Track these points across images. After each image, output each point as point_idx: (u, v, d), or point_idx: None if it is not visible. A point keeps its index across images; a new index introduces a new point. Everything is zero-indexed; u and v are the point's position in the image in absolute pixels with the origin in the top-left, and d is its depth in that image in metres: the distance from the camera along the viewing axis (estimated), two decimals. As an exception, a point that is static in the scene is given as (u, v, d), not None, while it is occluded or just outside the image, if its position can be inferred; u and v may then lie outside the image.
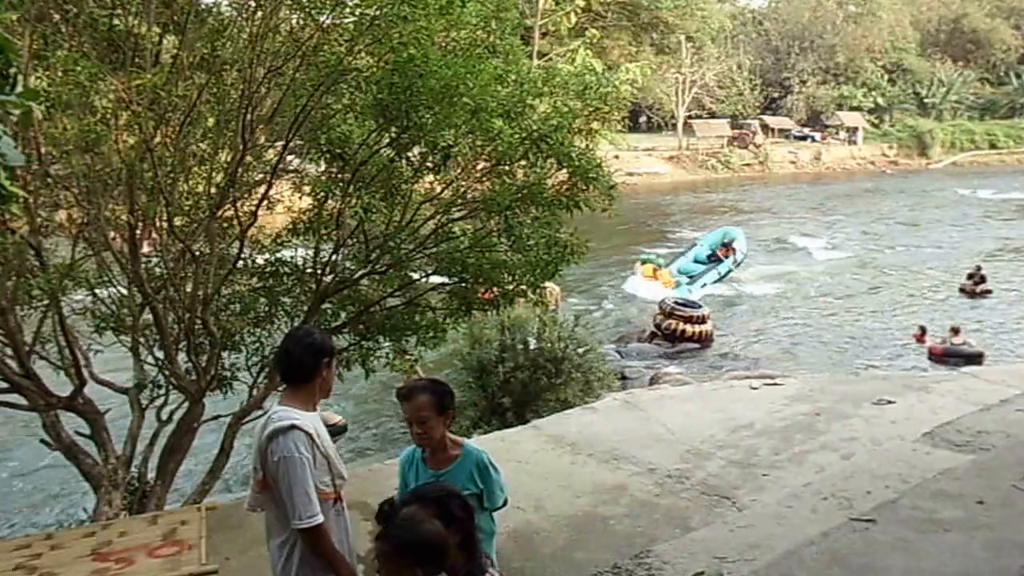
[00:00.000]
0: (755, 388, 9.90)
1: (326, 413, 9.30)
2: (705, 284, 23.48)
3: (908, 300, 22.18)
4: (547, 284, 7.45)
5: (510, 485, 4.11)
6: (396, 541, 2.64)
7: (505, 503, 3.92)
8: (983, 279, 22.24)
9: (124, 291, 6.67)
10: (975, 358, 15.88)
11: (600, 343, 15.25)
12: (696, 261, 25.02)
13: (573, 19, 36.28)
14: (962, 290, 22.22)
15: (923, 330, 17.91)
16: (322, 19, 5.82)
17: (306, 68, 5.88)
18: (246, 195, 6.54)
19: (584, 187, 6.47)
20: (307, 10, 5.80)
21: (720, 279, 24.14)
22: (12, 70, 2.52)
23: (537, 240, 6.64)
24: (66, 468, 7.84)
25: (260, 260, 7.01)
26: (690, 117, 56.07)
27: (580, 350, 11.40)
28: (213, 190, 6.25)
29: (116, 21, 6.04)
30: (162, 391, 6.94)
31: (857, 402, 8.92)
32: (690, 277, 23.65)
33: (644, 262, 24.05)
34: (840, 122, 59.97)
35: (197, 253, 6.31)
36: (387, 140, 6.31)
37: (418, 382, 3.87)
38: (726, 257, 24.81)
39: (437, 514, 2.74)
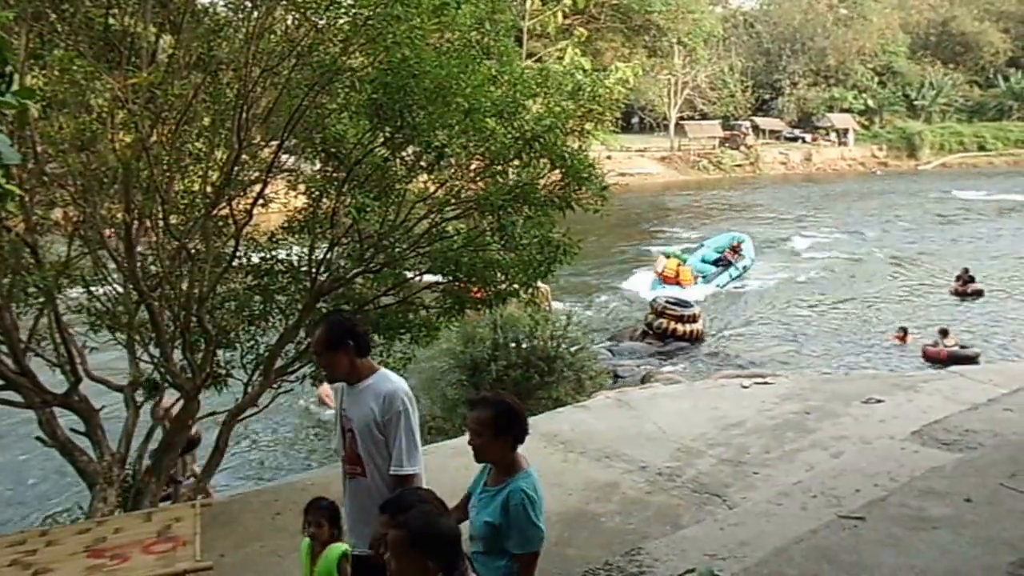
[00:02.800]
0: (746, 387, 9.95)
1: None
2: (720, 285, 23.64)
3: (898, 300, 22.29)
4: (538, 284, 7.49)
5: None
6: (412, 531, 2.60)
7: (530, 557, 3.44)
8: (971, 279, 22.38)
9: (120, 289, 6.69)
10: (974, 360, 15.90)
11: (592, 342, 15.31)
12: (703, 261, 25.10)
13: (560, 18, 36.25)
14: (954, 292, 22.34)
15: (904, 331, 17.92)
16: (317, 19, 5.85)
17: (301, 68, 5.91)
18: (241, 194, 6.56)
19: (577, 188, 6.51)
20: (302, 10, 5.83)
21: (731, 281, 24.28)
22: (8, 69, 2.55)
23: (530, 240, 6.68)
24: (61, 465, 7.85)
25: (255, 258, 7.03)
26: (682, 118, 56.30)
27: (572, 349, 11.45)
28: (209, 188, 6.27)
29: (112, 20, 6.05)
30: (157, 388, 6.96)
31: (847, 401, 8.98)
32: (703, 276, 23.78)
33: (668, 256, 24.06)
34: (830, 124, 60.24)
35: (193, 251, 6.33)
36: (381, 140, 6.33)
37: (487, 395, 3.71)
38: (735, 260, 24.94)
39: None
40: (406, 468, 3.88)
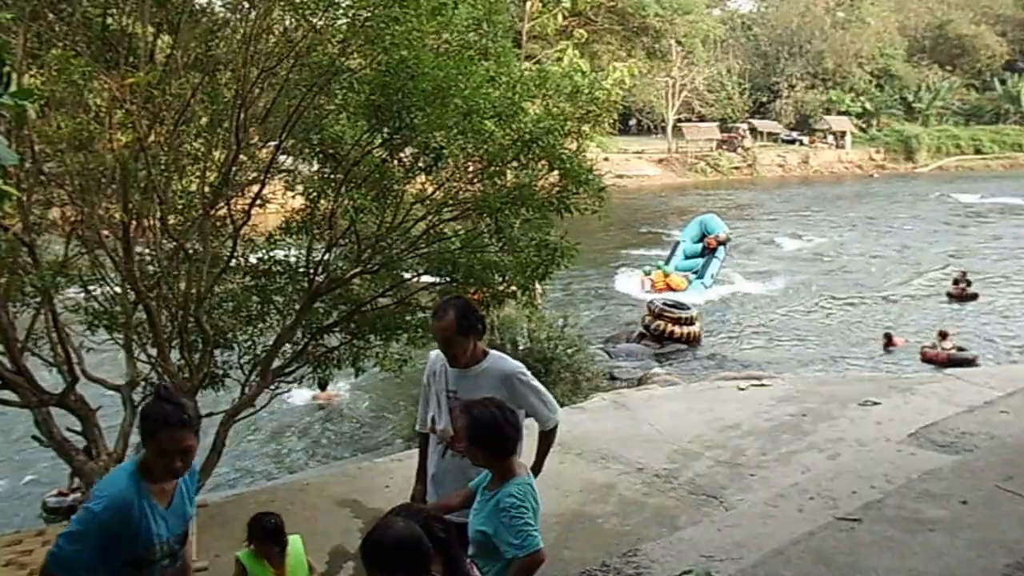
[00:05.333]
0: (742, 389, 9.96)
1: None
2: (713, 276, 23.48)
3: (895, 303, 22.31)
4: (536, 286, 7.50)
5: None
6: (364, 549, 2.66)
7: (526, 560, 3.36)
8: (968, 283, 22.42)
9: (117, 289, 6.68)
10: (972, 363, 15.83)
11: (589, 343, 15.31)
12: (688, 257, 24.98)
13: (560, 19, 36.28)
14: (949, 294, 22.38)
15: (889, 337, 17.88)
16: (315, 20, 5.86)
17: (299, 68, 5.92)
18: (239, 194, 6.56)
19: (575, 190, 6.51)
20: (300, 11, 5.83)
21: (722, 264, 24.21)
22: (6, 69, 2.54)
23: (528, 242, 6.68)
24: (58, 464, 7.84)
25: (253, 259, 7.03)
26: (679, 120, 56.33)
27: (569, 350, 11.46)
28: (206, 189, 6.26)
29: (110, 20, 6.05)
30: (154, 388, 6.94)
31: (843, 403, 9.00)
32: (696, 273, 23.64)
33: (648, 272, 23.82)
34: (828, 126, 60.28)
35: (190, 251, 6.33)
36: (379, 141, 6.32)
37: (470, 404, 3.68)
38: (718, 244, 24.77)
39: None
40: (554, 418, 4.26)
